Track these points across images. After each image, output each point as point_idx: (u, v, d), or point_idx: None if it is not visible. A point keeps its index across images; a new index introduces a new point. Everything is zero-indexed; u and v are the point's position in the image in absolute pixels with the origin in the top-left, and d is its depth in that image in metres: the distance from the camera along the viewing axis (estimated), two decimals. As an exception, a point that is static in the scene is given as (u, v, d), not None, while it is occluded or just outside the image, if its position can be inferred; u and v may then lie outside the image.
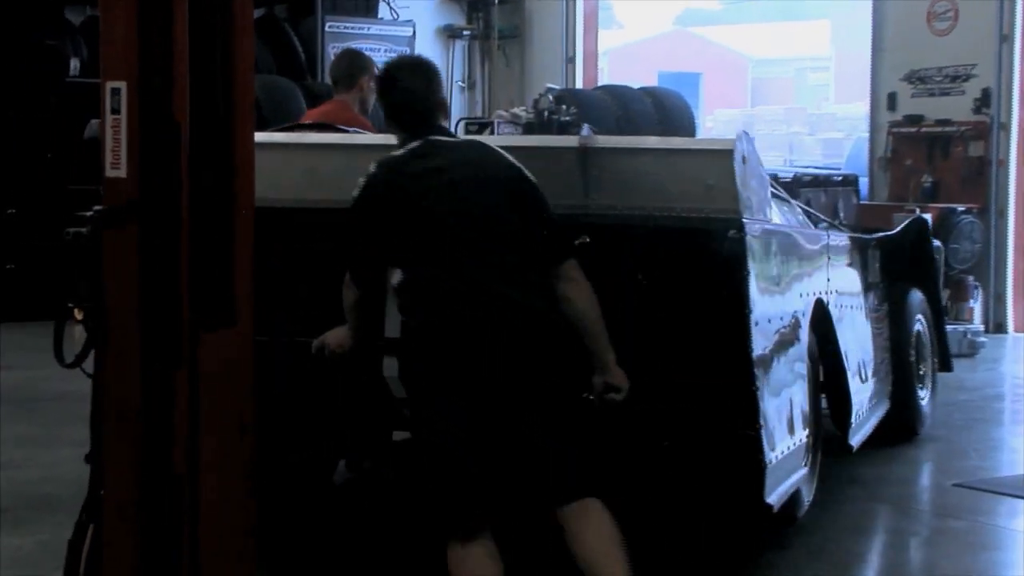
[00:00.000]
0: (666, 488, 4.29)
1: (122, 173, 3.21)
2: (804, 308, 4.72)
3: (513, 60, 15.21)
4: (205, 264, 3.27)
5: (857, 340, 5.76)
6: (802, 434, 4.64)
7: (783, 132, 21.99)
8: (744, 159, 3.88)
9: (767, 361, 4.14)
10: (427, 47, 14.81)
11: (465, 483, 3.55)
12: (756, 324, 3.98)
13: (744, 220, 3.90)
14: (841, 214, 9.82)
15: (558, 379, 3.61)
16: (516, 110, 9.10)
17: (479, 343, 3.55)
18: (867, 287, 6.15)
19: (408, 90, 3.79)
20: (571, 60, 14.77)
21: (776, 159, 20.16)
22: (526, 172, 3.72)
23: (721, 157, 3.86)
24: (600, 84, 14.54)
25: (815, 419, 5.06)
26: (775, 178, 6.78)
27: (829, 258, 5.24)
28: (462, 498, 3.55)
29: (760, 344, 4.03)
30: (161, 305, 3.23)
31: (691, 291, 3.98)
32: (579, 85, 14.45)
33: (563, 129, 10.20)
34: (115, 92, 3.20)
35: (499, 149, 3.76)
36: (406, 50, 13.87)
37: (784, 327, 4.40)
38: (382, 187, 3.72)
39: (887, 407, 6.32)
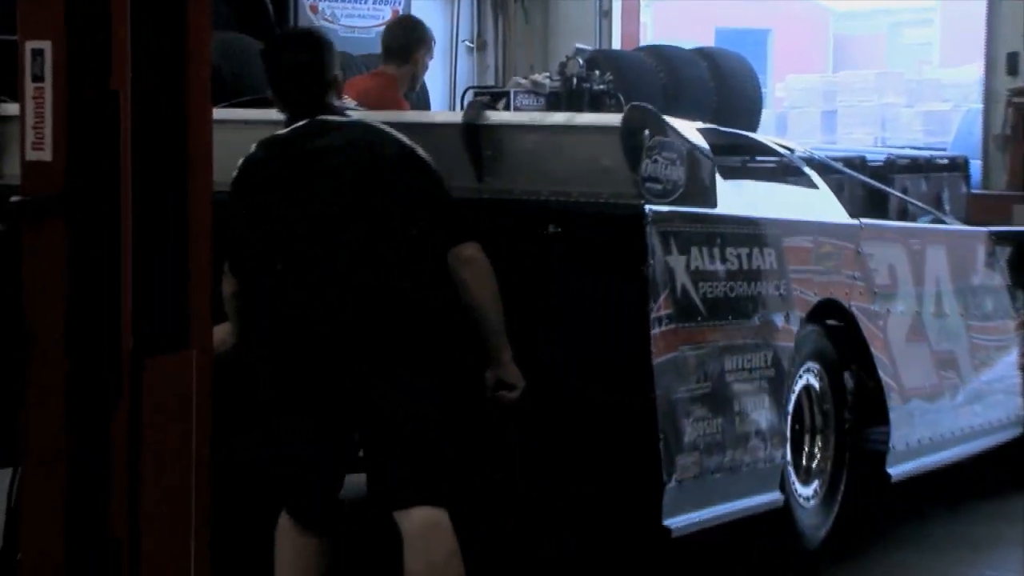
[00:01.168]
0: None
1: (46, 156, 3.22)
2: (791, 311, 4.86)
3: (534, 14, 15.21)
4: (151, 271, 3.28)
5: (931, 351, 5.76)
6: (770, 453, 4.73)
7: (874, 103, 21.90)
8: (649, 136, 4.15)
9: (686, 366, 4.35)
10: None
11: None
12: (669, 324, 4.27)
13: (647, 206, 4.18)
14: (947, 206, 9.79)
15: (416, 372, 4.06)
16: (537, 77, 9.10)
17: (331, 335, 4.03)
18: (975, 290, 6.13)
19: (295, 64, 4.27)
20: (606, 14, 14.78)
21: (865, 137, 20.14)
22: (420, 152, 4.20)
23: (609, 135, 4.16)
24: (643, 44, 14.54)
25: (838, 441, 5.18)
26: (859, 162, 6.77)
27: (859, 252, 5.31)
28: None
29: (678, 347, 4.31)
30: (95, 322, 3.23)
31: (589, 284, 4.29)
32: (617, 45, 14.45)
33: (596, 100, 10.17)
34: (37, 54, 3.22)
35: (392, 130, 4.24)
36: (399, 1, 13.90)
37: (735, 330, 4.57)
38: (261, 167, 4.22)
39: (1013, 435, 6.29)
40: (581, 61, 9.54)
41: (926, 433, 5.68)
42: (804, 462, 5.19)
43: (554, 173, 4.32)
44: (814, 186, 5.48)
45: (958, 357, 5.96)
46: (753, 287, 4.67)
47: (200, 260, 3.39)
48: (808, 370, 5.12)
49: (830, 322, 5.20)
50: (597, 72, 8.67)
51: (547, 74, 9.83)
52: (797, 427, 5.15)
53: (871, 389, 5.35)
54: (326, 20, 13.35)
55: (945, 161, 12.10)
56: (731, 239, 4.55)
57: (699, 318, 4.40)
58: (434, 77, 14.46)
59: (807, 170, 5.56)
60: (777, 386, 4.75)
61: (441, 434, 4.06)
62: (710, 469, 4.41)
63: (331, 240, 4.08)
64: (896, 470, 5.44)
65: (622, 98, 10.61)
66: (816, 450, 5.23)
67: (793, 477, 5.04)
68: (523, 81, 10.88)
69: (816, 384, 5.19)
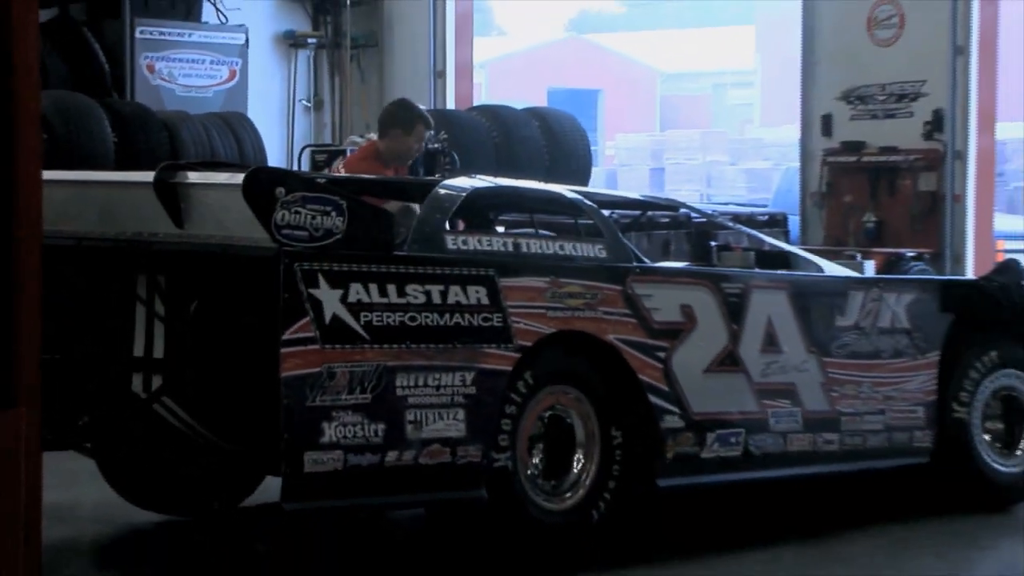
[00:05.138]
0: None
1: None
2: (509, 340, 5.38)
3: (370, 74, 15.22)
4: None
5: (750, 382, 6.14)
6: (468, 458, 5.23)
7: (699, 161, 22.37)
8: (284, 191, 4.88)
9: (333, 380, 4.96)
10: (264, 57, 14.76)
11: None
12: (311, 345, 4.92)
13: (285, 250, 4.84)
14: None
15: None
16: (373, 135, 9.09)
17: None
18: (838, 331, 6.48)
19: None
20: (440, 74, 14.84)
21: (691, 194, 20.52)
22: None
23: (232, 192, 4.93)
24: (477, 104, 14.63)
25: (604, 455, 5.64)
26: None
27: (629, 292, 5.71)
28: None
29: (321, 364, 4.94)
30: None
31: (242, 314, 5.10)
32: (451, 105, 14.51)
33: (431, 159, 10.19)
34: None
35: None
36: (237, 61, 13.79)
37: (414, 353, 5.16)
38: None
39: (895, 463, 6.70)
40: (415, 120, 9.54)
41: (724, 453, 6.07)
42: (568, 472, 5.65)
43: (227, 222, 5.09)
44: (598, 234, 5.90)
45: (798, 388, 6.34)
46: (445, 318, 5.23)
47: (28, 306, 3.26)
48: (555, 392, 5.59)
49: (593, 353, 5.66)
50: (431, 132, 8.69)
51: (382, 133, 9.80)
52: (551, 441, 5.62)
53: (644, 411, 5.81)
54: (163, 80, 13.20)
55: (765, 217, 12.37)
56: (412, 277, 5.16)
57: (358, 341, 5.03)
58: (272, 135, 14.37)
59: (596, 221, 5.97)
60: (482, 402, 5.29)
61: None
62: (360, 465, 5.00)
63: None
64: (668, 482, 5.87)
65: (456, 156, 10.71)
66: (576, 463, 5.69)
67: (525, 479, 5.46)
68: (359, 140, 10.86)
69: (574, 404, 5.65)
